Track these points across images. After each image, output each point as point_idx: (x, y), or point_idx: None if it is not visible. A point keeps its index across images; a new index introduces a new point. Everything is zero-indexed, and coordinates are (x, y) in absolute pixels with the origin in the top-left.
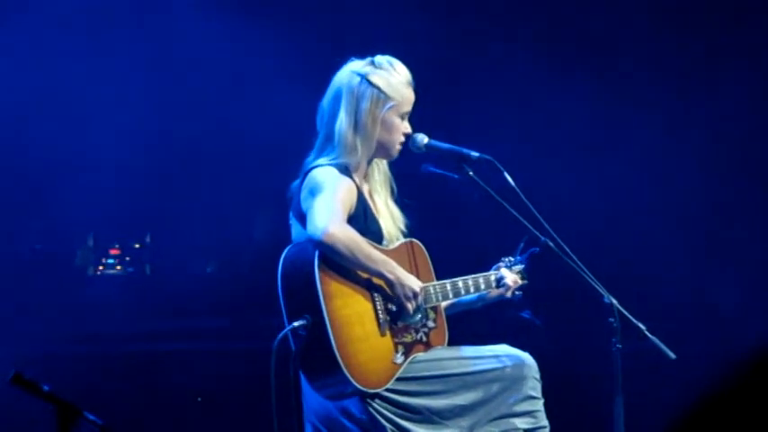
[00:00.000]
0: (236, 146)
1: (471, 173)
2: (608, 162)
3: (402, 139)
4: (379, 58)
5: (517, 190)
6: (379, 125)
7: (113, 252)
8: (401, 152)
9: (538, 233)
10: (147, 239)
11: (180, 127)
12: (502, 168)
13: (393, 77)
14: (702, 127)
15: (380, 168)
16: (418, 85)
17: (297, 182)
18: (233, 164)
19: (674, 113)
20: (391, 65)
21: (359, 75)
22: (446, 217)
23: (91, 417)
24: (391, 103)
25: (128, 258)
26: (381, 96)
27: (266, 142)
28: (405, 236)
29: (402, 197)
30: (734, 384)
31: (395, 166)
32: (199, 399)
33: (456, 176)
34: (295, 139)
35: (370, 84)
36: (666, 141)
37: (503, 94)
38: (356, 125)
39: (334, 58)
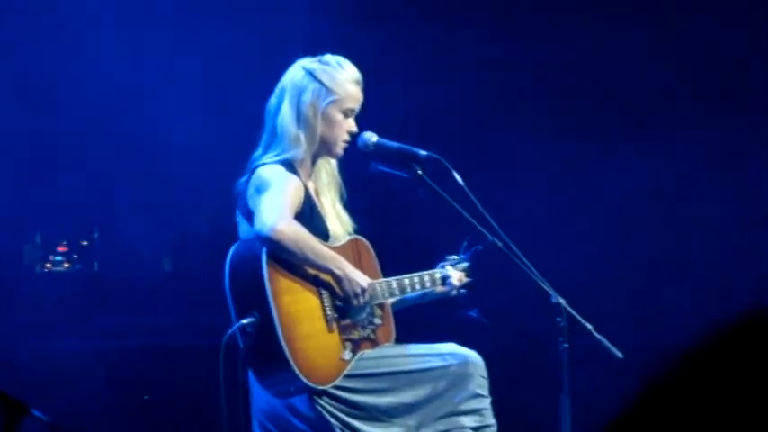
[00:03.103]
0: (184, 137)
1: (420, 171)
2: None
3: (346, 137)
4: (327, 57)
5: (465, 189)
6: (320, 118)
7: (61, 249)
8: (348, 151)
9: (486, 232)
10: (95, 236)
11: (125, 119)
12: (450, 167)
13: (338, 74)
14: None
15: (328, 170)
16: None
17: (243, 179)
18: (182, 156)
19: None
20: (339, 63)
21: (304, 69)
22: (392, 215)
23: (38, 414)
24: (333, 97)
25: (76, 255)
26: (323, 90)
27: (215, 136)
28: None
29: (350, 196)
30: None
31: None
32: (146, 396)
33: (405, 175)
34: (243, 133)
35: (314, 77)
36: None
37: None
38: (298, 117)
39: None
